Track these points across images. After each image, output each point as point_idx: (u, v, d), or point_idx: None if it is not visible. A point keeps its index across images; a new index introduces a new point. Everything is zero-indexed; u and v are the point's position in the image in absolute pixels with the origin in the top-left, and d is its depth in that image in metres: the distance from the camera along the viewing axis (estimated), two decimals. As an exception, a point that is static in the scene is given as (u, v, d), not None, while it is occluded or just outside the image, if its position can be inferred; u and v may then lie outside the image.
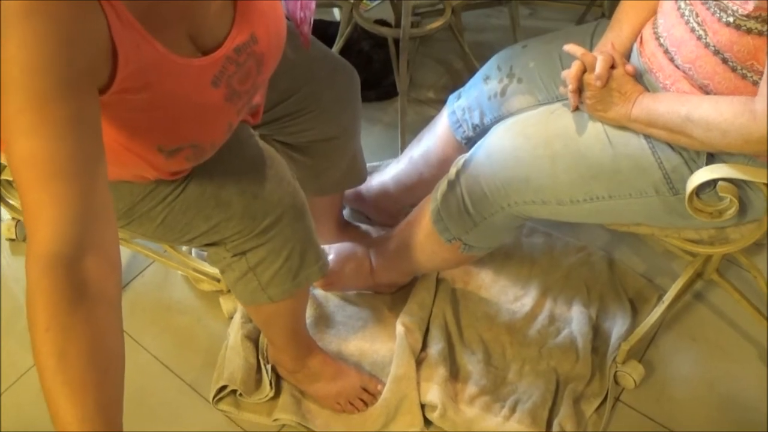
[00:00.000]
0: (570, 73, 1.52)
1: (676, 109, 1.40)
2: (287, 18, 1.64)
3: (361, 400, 1.87)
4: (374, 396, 1.88)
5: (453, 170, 1.72)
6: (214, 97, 1.22)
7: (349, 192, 2.22)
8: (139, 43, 1.05)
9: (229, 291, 2.01)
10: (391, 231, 2.01)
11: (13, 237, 2.22)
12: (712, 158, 1.46)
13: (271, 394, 1.86)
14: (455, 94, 1.94)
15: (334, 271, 1.98)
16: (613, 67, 1.50)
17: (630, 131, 1.51)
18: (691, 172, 1.45)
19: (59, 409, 0.89)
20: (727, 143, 1.34)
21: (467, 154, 1.71)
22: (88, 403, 0.89)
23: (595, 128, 1.54)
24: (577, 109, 1.57)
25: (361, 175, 2.04)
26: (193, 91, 1.19)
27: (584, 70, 1.51)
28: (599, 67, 1.47)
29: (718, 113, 1.33)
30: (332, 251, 2.01)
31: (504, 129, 1.66)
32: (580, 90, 1.53)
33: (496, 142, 1.64)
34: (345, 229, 2.16)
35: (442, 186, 1.75)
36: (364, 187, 2.21)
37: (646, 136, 1.49)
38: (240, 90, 1.28)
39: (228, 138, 1.39)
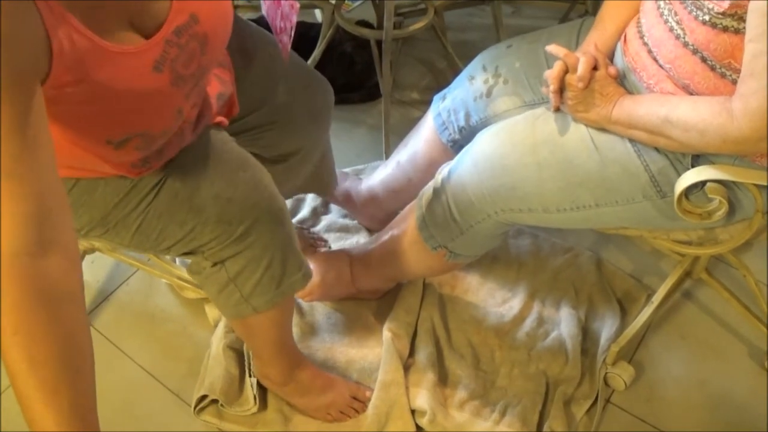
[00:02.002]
0: (552, 74, 1.51)
1: (655, 111, 1.39)
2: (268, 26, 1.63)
3: (353, 408, 1.85)
4: (364, 403, 1.86)
5: (438, 177, 1.71)
6: (158, 82, 1.18)
7: (339, 195, 2.22)
8: (72, 34, 1.01)
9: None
10: (374, 237, 2.00)
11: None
12: (697, 159, 1.45)
13: (254, 409, 1.83)
14: (440, 95, 1.93)
15: (314, 281, 1.96)
16: (595, 68, 1.49)
17: (614, 135, 1.50)
18: (678, 173, 1.44)
19: (34, 413, 0.90)
20: (705, 143, 1.33)
21: (453, 161, 1.70)
22: (63, 406, 0.90)
23: (580, 133, 1.53)
24: (558, 109, 1.56)
25: (328, 185, 2.03)
26: (135, 78, 1.14)
27: (566, 71, 1.50)
28: (581, 68, 1.46)
29: (696, 113, 1.33)
30: (311, 260, 1.99)
31: (490, 135, 1.64)
32: (561, 90, 1.52)
33: (483, 149, 1.63)
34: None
35: (427, 193, 1.74)
36: (353, 189, 2.20)
37: (631, 140, 1.48)
38: (185, 74, 1.23)
39: (199, 138, 1.39)
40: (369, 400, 1.85)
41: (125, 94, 1.14)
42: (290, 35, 1.55)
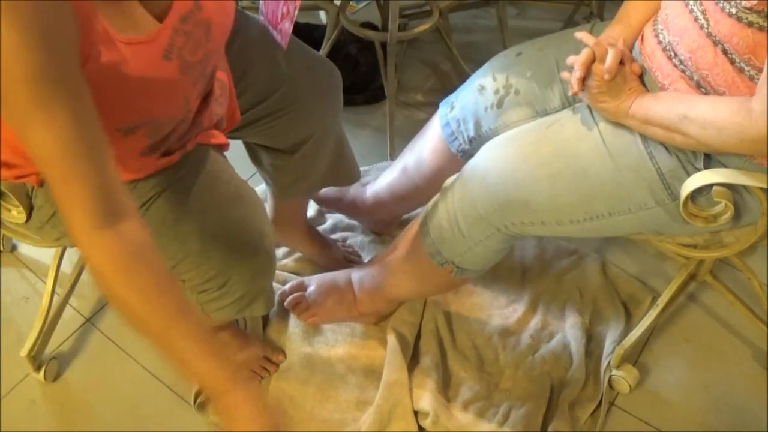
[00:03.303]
0: (579, 60, 1.49)
1: (674, 107, 1.39)
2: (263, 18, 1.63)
3: (264, 368, 1.90)
4: (276, 365, 1.91)
5: (444, 191, 1.69)
6: (167, 70, 1.20)
7: (345, 202, 2.21)
8: (91, 17, 1.04)
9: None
10: (376, 258, 1.98)
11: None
12: (708, 159, 1.45)
13: None
14: (447, 102, 1.90)
15: (316, 303, 1.96)
16: (621, 63, 1.48)
17: (627, 137, 1.49)
18: (689, 175, 1.44)
19: (141, 313, 1.07)
20: (722, 142, 1.33)
21: (458, 175, 1.68)
22: (195, 327, 1.10)
23: (593, 140, 1.52)
24: (575, 95, 1.53)
25: (351, 173, 2.01)
26: (146, 66, 1.16)
27: (593, 59, 1.49)
28: (610, 59, 1.45)
29: (714, 111, 1.33)
30: (313, 282, 1.99)
31: (499, 148, 1.63)
32: (583, 78, 1.51)
33: (492, 163, 1.61)
34: (310, 233, 2.14)
35: (432, 209, 1.72)
36: (359, 197, 2.18)
37: (644, 141, 1.48)
38: (192, 60, 1.24)
39: (197, 162, 1.39)
40: (281, 362, 1.90)
41: (136, 81, 1.15)
42: (293, 19, 1.54)
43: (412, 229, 1.82)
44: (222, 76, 1.48)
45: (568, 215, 1.56)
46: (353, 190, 2.21)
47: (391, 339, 1.93)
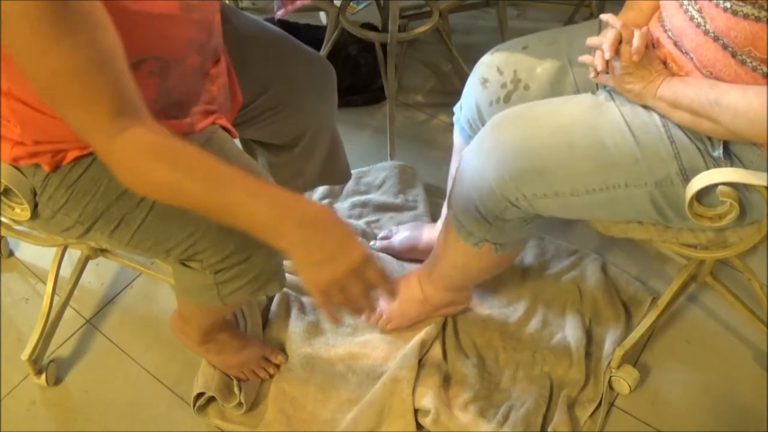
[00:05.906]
0: (608, 41, 1.46)
1: (704, 92, 1.38)
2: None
3: (263, 368, 1.90)
4: (276, 366, 1.92)
5: (456, 166, 1.67)
6: (168, 6, 1.24)
7: (422, 246, 2.18)
8: None
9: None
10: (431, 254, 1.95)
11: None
12: (727, 153, 1.44)
13: (244, 409, 1.84)
14: (458, 105, 1.89)
15: (389, 310, 1.97)
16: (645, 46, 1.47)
17: (647, 118, 1.48)
18: (706, 165, 1.44)
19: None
20: (753, 133, 1.33)
21: (465, 153, 1.65)
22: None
23: (614, 117, 1.50)
24: (596, 76, 1.52)
25: (344, 172, 2.04)
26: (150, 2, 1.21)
27: (620, 41, 1.47)
28: (638, 41, 1.44)
29: (746, 102, 1.32)
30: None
31: (508, 120, 1.59)
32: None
33: (502, 135, 1.58)
34: None
35: (450, 193, 1.71)
36: (433, 238, 2.08)
37: (665, 125, 1.46)
38: (193, 3, 1.29)
39: (208, 142, 1.40)
40: (281, 362, 1.92)
41: (136, 14, 1.19)
42: None
43: (445, 218, 1.80)
44: (218, 67, 1.51)
45: (584, 184, 1.52)
46: (425, 234, 2.19)
47: (416, 340, 1.94)
